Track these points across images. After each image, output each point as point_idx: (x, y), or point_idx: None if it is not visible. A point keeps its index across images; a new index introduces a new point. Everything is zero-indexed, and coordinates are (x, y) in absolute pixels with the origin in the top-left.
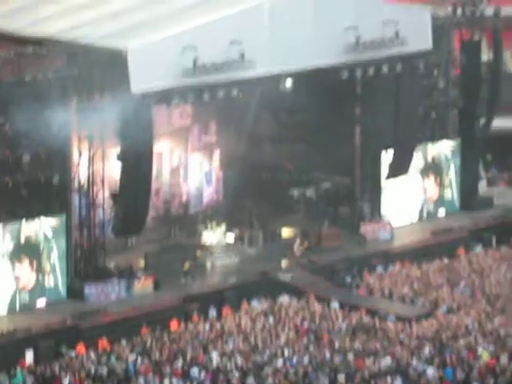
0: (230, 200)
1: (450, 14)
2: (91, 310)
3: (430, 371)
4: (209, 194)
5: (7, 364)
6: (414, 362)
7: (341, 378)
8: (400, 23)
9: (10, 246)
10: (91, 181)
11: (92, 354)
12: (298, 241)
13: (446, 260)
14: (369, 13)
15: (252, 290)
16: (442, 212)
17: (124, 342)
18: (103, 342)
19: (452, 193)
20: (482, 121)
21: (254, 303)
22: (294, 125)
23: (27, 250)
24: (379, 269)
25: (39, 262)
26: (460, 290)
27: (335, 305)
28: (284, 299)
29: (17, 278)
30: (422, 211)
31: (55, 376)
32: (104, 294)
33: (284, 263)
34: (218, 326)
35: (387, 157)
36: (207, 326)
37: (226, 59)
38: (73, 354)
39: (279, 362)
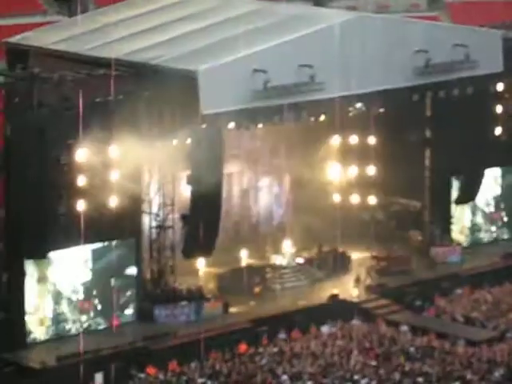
0: (299, 222)
1: None
2: (161, 332)
3: None
4: (278, 216)
5: None
6: None
7: None
8: (470, 46)
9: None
10: (162, 203)
11: (162, 376)
12: (368, 264)
13: None
14: (438, 36)
15: (322, 313)
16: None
17: (193, 365)
18: (173, 365)
19: None
20: None
21: (324, 326)
22: (363, 148)
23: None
24: (449, 292)
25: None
26: None
27: (405, 328)
28: (354, 322)
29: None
30: (492, 234)
31: None
32: (174, 317)
33: (354, 286)
34: (287, 349)
35: (457, 181)
36: (276, 349)
37: (296, 81)
38: (143, 375)
39: None
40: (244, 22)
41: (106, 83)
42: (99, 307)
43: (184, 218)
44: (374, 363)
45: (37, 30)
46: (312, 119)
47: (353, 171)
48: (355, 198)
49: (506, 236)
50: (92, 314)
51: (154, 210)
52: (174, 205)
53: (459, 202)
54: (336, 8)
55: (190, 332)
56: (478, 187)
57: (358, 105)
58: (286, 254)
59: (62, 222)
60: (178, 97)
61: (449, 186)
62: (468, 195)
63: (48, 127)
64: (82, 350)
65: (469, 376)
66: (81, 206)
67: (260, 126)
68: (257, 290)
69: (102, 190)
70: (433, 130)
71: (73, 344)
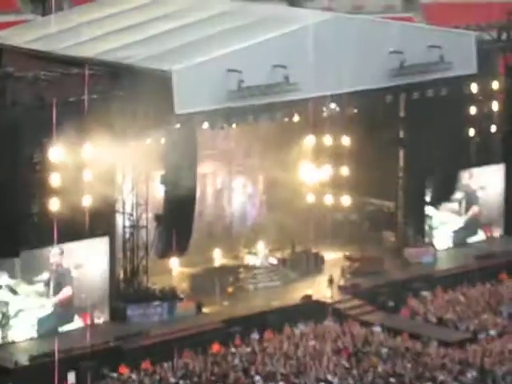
0: (273, 223)
1: (495, 38)
2: (134, 331)
3: None
4: (252, 216)
5: None
6: None
7: None
8: (445, 47)
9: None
10: (135, 203)
11: (134, 376)
12: (341, 264)
13: (488, 285)
14: (413, 37)
15: (295, 314)
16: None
17: (166, 365)
18: (146, 364)
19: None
20: None
21: (297, 327)
22: (337, 148)
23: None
24: (422, 293)
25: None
26: (503, 316)
27: (378, 329)
28: (327, 323)
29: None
30: (465, 235)
31: None
32: (146, 316)
33: (327, 287)
34: (260, 349)
35: (431, 181)
36: (249, 349)
37: (270, 82)
38: (115, 375)
39: None
40: (218, 22)
41: (79, 82)
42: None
43: (157, 217)
44: (346, 364)
45: (11, 28)
46: (286, 119)
47: (326, 172)
48: (329, 199)
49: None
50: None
51: (128, 209)
52: (148, 204)
53: (433, 202)
54: (311, 8)
55: (162, 332)
56: (453, 188)
57: (332, 105)
58: (260, 254)
59: (35, 221)
60: (152, 96)
61: (423, 187)
62: (442, 196)
63: (21, 126)
64: (54, 350)
65: (441, 377)
66: (54, 205)
67: (234, 126)
68: (230, 290)
69: (75, 189)
70: (407, 131)
71: (46, 344)
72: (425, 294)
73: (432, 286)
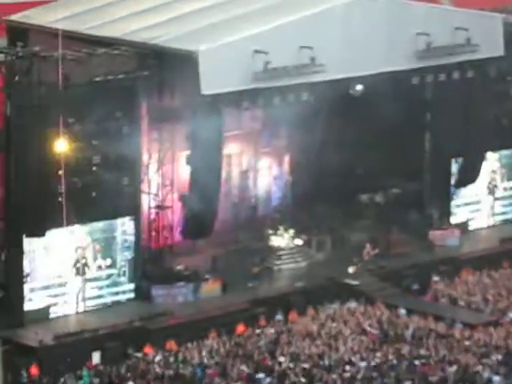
0: (298, 204)
1: None
2: (158, 311)
3: (497, 379)
4: (278, 197)
5: (74, 365)
6: (481, 369)
7: None
8: (471, 30)
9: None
10: (160, 183)
11: (159, 357)
12: (366, 246)
13: None
14: (440, 19)
15: (319, 295)
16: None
17: (191, 345)
18: (171, 344)
19: None
20: None
21: (322, 308)
22: (364, 130)
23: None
24: (447, 275)
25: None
26: None
27: (402, 311)
28: (351, 304)
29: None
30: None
31: (122, 377)
32: (171, 297)
33: (352, 268)
34: (284, 330)
35: (457, 164)
36: (274, 330)
37: (296, 63)
38: (140, 355)
39: (346, 368)
40: (245, 3)
41: (105, 62)
42: None
43: (183, 198)
44: (371, 345)
45: (36, 8)
46: (312, 101)
47: (353, 154)
48: (355, 181)
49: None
50: None
51: (153, 190)
52: (173, 185)
53: (459, 185)
54: None
55: (187, 312)
56: (479, 170)
57: (359, 87)
58: (285, 235)
59: (61, 201)
60: (178, 77)
61: (448, 169)
62: (468, 178)
63: (48, 105)
64: (79, 329)
65: (465, 360)
66: (79, 184)
67: (261, 106)
68: (255, 270)
69: (100, 169)
70: (433, 113)
71: (70, 323)
72: (450, 276)
73: (457, 269)
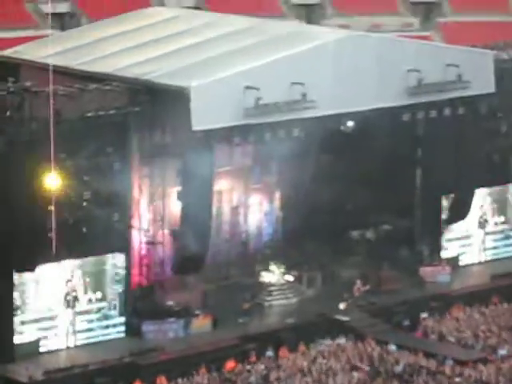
0: (289, 240)
1: None
2: (149, 347)
3: None
4: (268, 234)
5: None
6: None
7: None
8: (462, 66)
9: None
10: (151, 219)
11: None
12: (357, 282)
13: (505, 305)
14: (431, 56)
15: (310, 331)
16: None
17: (181, 381)
18: (161, 380)
19: None
20: None
21: (312, 344)
22: (355, 166)
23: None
24: (438, 312)
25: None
26: None
27: (393, 347)
28: (342, 341)
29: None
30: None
31: None
32: (162, 332)
33: (343, 305)
34: (274, 366)
35: (447, 200)
36: (264, 366)
37: (288, 99)
38: None
39: None
40: (236, 39)
41: (97, 98)
42: None
43: (174, 233)
44: (362, 382)
45: (29, 43)
46: (303, 137)
47: (344, 190)
48: (346, 217)
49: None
50: None
51: (144, 225)
52: (164, 221)
53: (450, 221)
54: (328, 26)
55: (178, 348)
56: (470, 206)
57: (349, 123)
58: (275, 271)
59: (52, 237)
60: (170, 113)
61: (439, 205)
62: (459, 214)
63: (39, 141)
64: (69, 365)
65: None
66: (71, 220)
67: (251, 142)
68: (244, 306)
69: (91, 204)
70: (424, 150)
71: (60, 358)
72: (440, 312)
73: (448, 305)
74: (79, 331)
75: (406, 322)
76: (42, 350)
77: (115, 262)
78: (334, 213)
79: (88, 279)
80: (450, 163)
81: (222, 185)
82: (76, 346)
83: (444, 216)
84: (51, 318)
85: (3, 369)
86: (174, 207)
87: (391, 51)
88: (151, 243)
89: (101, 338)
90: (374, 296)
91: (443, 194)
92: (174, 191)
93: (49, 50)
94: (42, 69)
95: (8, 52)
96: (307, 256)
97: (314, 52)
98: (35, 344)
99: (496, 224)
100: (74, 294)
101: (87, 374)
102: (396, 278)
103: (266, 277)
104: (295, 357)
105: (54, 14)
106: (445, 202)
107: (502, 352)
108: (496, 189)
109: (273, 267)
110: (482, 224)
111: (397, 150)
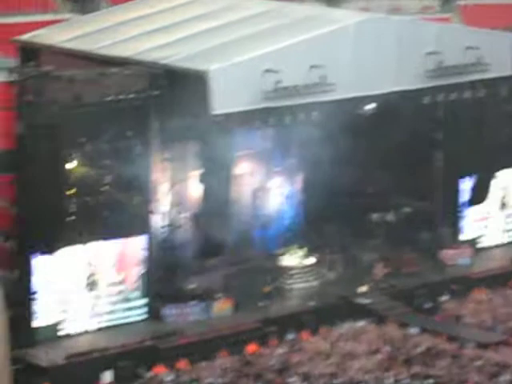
0: (310, 224)
1: None
2: (169, 330)
3: None
4: (289, 217)
5: None
6: None
7: None
8: (482, 49)
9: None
10: (172, 202)
11: (170, 376)
12: (377, 265)
13: None
14: (451, 38)
15: (331, 314)
16: None
17: (201, 364)
18: (182, 364)
19: None
20: None
21: (333, 327)
22: (375, 149)
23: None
24: (459, 294)
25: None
26: None
27: (414, 330)
28: (363, 323)
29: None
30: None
31: None
32: (183, 316)
33: (364, 287)
34: (296, 349)
35: (467, 183)
36: (285, 350)
37: (307, 82)
38: (150, 375)
39: None
40: (256, 23)
41: (117, 82)
42: None
43: (195, 217)
44: (383, 364)
45: (48, 27)
46: (323, 120)
47: (365, 173)
48: (366, 200)
49: None
50: None
51: (165, 209)
52: (185, 204)
53: (471, 203)
54: (348, 9)
55: (198, 331)
56: (489, 189)
57: (370, 106)
58: (296, 254)
59: (72, 220)
60: (189, 96)
61: (459, 188)
62: (480, 197)
63: (59, 125)
64: (90, 348)
65: (475, 378)
66: (91, 203)
67: (271, 126)
68: (265, 289)
69: (111, 188)
70: (444, 132)
71: (81, 341)
72: (461, 295)
73: (468, 288)
74: (100, 314)
75: (427, 305)
76: (62, 333)
77: (136, 244)
78: (355, 195)
79: (109, 262)
80: (469, 146)
81: (242, 168)
82: (97, 330)
83: (464, 198)
84: (71, 302)
85: (24, 353)
86: (195, 190)
87: (411, 34)
88: (172, 226)
89: (121, 321)
90: (395, 279)
91: (463, 177)
92: (194, 174)
93: (69, 34)
94: (61, 53)
95: (27, 36)
96: (328, 239)
97: (333, 35)
98: (54, 327)
99: None
100: (94, 276)
101: (108, 357)
102: (416, 260)
103: (286, 260)
104: (316, 340)
105: None
106: (465, 185)
107: None
108: None
109: (294, 250)
110: (504, 206)
111: (417, 132)
